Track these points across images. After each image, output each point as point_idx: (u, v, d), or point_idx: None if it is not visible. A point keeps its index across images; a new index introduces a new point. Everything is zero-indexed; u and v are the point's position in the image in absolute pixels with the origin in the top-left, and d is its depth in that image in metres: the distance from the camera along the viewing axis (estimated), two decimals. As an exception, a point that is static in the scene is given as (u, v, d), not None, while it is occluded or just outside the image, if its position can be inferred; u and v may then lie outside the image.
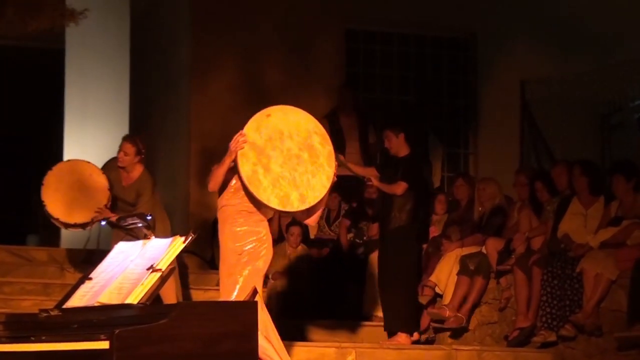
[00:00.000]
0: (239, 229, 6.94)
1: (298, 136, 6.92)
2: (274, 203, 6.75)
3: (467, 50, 12.38)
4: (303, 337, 9.22)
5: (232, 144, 6.78)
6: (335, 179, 6.92)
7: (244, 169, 6.76)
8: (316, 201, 6.86)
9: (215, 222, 10.80)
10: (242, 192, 6.88)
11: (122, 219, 6.66)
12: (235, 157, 6.75)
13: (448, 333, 9.29)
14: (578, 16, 12.10)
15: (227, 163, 6.80)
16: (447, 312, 9.09)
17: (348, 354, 8.36)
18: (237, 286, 6.82)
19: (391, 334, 9.02)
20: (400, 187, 8.99)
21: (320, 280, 10.16)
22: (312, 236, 10.83)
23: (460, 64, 12.40)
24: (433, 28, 12.21)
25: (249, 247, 6.95)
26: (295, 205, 6.78)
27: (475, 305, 9.21)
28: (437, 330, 9.41)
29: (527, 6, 12.20)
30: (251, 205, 6.90)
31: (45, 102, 13.67)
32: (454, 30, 12.29)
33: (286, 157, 6.85)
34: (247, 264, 6.92)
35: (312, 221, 7.12)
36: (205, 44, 11.56)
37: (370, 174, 9.26)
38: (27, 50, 13.00)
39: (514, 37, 12.16)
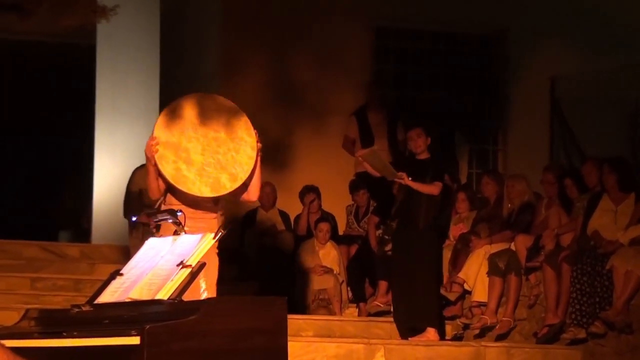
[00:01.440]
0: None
1: (210, 119, 6.76)
2: (207, 192, 6.60)
3: (497, 47, 12.36)
4: (332, 333, 9.25)
5: (147, 151, 6.62)
6: (260, 145, 6.66)
7: (166, 170, 6.56)
8: (247, 175, 6.70)
9: (245, 218, 10.89)
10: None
11: (153, 215, 6.65)
12: (155, 162, 6.67)
13: (476, 330, 9.28)
14: (609, 13, 12.05)
15: (151, 171, 6.68)
16: (488, 320, 9.06)
17: (377, 350, 8.38)
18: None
19: (417, 330, 9.02)
20: (437, 188, 9.07)
21: (348, 276, 10.19)
22: (340, 232, 10.85)
23: (491, 61, 12.37)
24: (463, 25, 12.20)
25: None
26: (228, 186, 6.60)
27: (516, 303, 9.16)
28: (465, 327, 9.41)
29: (558, 3, 12.16)
30: (190, 209, 6.79)
31: (76, 98, 13.75)
32: (484, 27, 12.27)
33: (204, 144, 6.69)
34: None
35: (253, 196, 6.90)
36: (235, 42, 11.61)
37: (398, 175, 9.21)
38: (59, 46, 13.09)
39: (544, 34, 12.12)
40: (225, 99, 6.91)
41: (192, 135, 6.65)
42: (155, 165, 6.58)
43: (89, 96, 12.52)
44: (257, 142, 6.68)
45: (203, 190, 6.57)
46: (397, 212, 9.32)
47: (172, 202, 6.62)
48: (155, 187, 6.67)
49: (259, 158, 6.67)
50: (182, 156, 6.60)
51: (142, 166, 9.10)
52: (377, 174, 9.34)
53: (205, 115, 6.74)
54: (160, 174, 6.59)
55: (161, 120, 6.71)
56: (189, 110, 6.78)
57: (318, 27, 11.74)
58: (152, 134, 6.60)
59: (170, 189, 6.60)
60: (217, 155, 6.64)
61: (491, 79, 12.39)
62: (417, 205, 9.05)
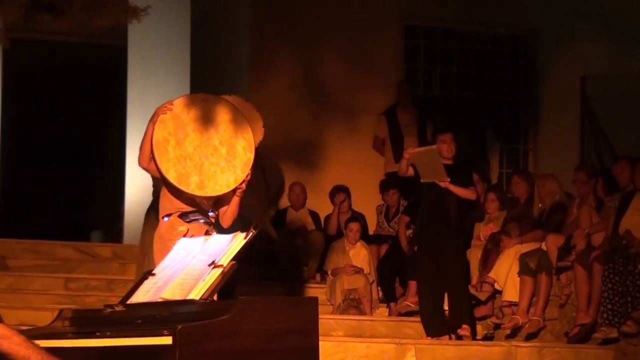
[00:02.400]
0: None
1: (225, 132, 6.85)
2: (171, 176, 6.64)
3: (527, 46, 12.33)
4: (362, 333, 9.26)
5: (158, 109, 6.73)
6: (244, 187, 6.73)
7: (157, 133, 6.70)
8: (214, 194, 6.71)
9: (274, 219, 10.91)
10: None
11: (185, 215, 6.70)
12: (155, 122, 6.72)
13: (507, 330, 9.26)
14: (639, 12, 11.99)
15: (148, 132, 6.73)
16: (520, 319, 9.05)
17: (407, 350, 8.38)
18: None
19: (451, 329, 9.03)
20: (474, 193, 9.24)
21: (378, 276, 10.19)
22: (371, 232, 10.86)
23: (521, 60, 12.34)
24: (493, 25, 12.18)
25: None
26: (191, 187, 6.67)
27: (547, 303, 9.15)
28: (497, 327, 9.40)
29: (588, 2, 12.11)
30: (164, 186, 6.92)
31: (108, 98, 13.81)
32: (514, 27, 12.24)
33: (203, 143, 6.76)
34: None
35: (225, 223, 6.95)
36: (265, 41, 11.64)
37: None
38: (91, 46, 13.16)
39: (575, 33, 12.07)
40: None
41: (201, 129, 6.75)
42: (153, 124, 6.68)
43: (121, 96, 12.59)
44: (243, 182, 6.73)
45: (170, 172, 6.67)
46: (424, 214, 9.29)
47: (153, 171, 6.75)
48: (146, 152, 6.76)
49: (236, 196, 6.73)
50: (179, 135, 6.72)
51: None
52: (409, 174, 9.28)
53: (225, 126, 6.82)
54: (151, 134, 6.70)
55: (188, 98, 6.85)
56: (217, 110, 6.85)
57: (348, 27, 11.75)
58: (173, 100, 6.75)
59: (151, 153, 6.70)
60: (204, 160, 6.74)
61: (522, 79, 12.36)
62: (449, 207, 9.06)
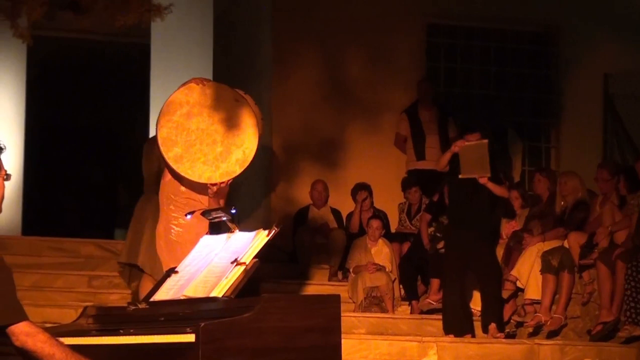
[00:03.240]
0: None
1: (232, 135, 6.99)
2: (162, 133, 6.88)
3: (549, 44, 12.29)
4: (384, 331, 9.27)
5: (196, 78, 7.09)
6: (215, 189, 6.91)
7: (178, 95, 6.99)
8: (179, 172, 6.89)
9: (297, 216, 10.94)
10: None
11: (207, 213, 6.75)
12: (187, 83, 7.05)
13: (530, 329, 9.25)
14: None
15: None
16: (543, 317, 9.04)
17: (429, 348, 8.38)
18: None
19: (484, 326, 9.05)
20: (507, 190, 9.37)
21: (400, 274, 10.19)
22: (392, 230, 10.86)
23: (542, 57, 12.31)
24: (514, 22, 12.15)
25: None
26: (169, 154, 6.87)
27: (569, 300, 9.13)
28: (519, 325, 9.39)
29: (610, -1, 12.09)
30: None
31: (132, 97, 13.87)
32: (536, 24, 12.20)
33: (207, 130, 6.96)
34: None
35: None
36: (286, 39, 11.65)
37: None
38: (114, 44, 13.21)
39: (597, 30, 12.03)
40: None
41: (214, 118, 6.86)
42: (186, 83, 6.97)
43: (144, 94, 12.64)
44: (215, 185, 6.92)
45: (163, 129, 6.89)
46: (455, 212, 9.26)
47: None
48: None
49: (208, 195, 6.93)
50: (194, 109, 6.94)
51: None
52: (445, 169, 9.28)
53: (235, 131, 6.93)
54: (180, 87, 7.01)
55: (225, 88, 7.00)
56: (240, 114, 6.93)
57: (370, 25, 11.75)
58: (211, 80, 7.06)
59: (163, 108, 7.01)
60: (197, 141, 7.00)
61: (543, 76, 12.33)
62: (482, 205, 9.07)
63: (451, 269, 9.15)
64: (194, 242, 6.78)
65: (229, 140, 6.92)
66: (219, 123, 6.93)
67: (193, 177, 6.88)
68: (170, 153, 6.85)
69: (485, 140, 9.11)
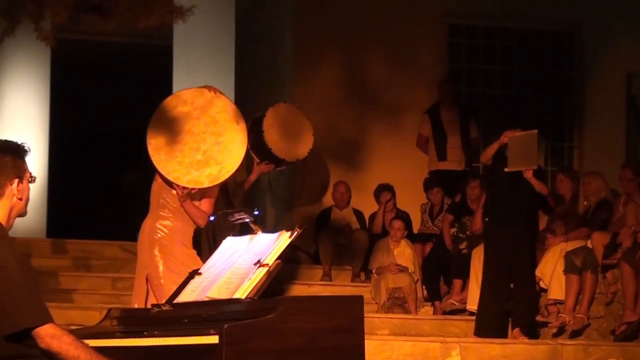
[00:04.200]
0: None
1: (225, 150, 6.99)
2: (155, 120, 6.92)
3: (572, 43, 12.26)
4: (407, 332, 9.27)
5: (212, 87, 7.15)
6: (184, 192, 6.90)
7: (187, 91, 7.09)
8: (154, 162, 6.90)
9: (319, 217, 10.95)
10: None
11: (230, 214, 6.76)
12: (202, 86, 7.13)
13: (554, 329, 9.22)
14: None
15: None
16: (566, 318, 9.02)
17: (452, 349, 8.37)
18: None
19: (514, 326, 9.05)
20: (546, 187, 9.35)
21: (423, 274, 10.19)
22: (415, 231, 10.86)
23: (565, 57, 12.28)
24: (536, 22, 12.13)
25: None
26: (152, 140, 6.91)
27: (592, 300, 9.10)
28: (542, 325, 9.37)
29: (633, -2, 12.04)
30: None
31: (155, 99, 13.89)
32: (558, 24, 12.18)
33: (203, 132, 6.98)
34: None
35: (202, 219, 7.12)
36: (309, 41, 11.67)
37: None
38: (137, 46, 13.26)
39: (619, 29, 11.99)
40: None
41: (217, 126, 6.88)
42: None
43: (166, 96, 12.67)
44: (186, 189, 6.91)
45: (157, 119, 6.92)
46: (497, 211, 9.18)
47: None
48: None
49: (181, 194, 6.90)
50: (196, 111, 6.96)
51: None
52: (489, 162, 9.22)
53: (233, 147, 6.97)
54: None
55: (223, 99, 7.04)
56: (235, 136, 7.00)
57: (391, 25, 11.75)
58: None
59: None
60: (188, 137, 6.96)
61: (566, 76, 12.30)
62: (524, 205, 9.04)
63: (491, 272, 9.07)
64: (177, 246, 6.90)
65: (211, 153, 6.95)
66: (210, 134, 6.97)
67: (162, 170, 6.90)
68: (154, 140, 6.90)
69: (535, 130, 8.93)
